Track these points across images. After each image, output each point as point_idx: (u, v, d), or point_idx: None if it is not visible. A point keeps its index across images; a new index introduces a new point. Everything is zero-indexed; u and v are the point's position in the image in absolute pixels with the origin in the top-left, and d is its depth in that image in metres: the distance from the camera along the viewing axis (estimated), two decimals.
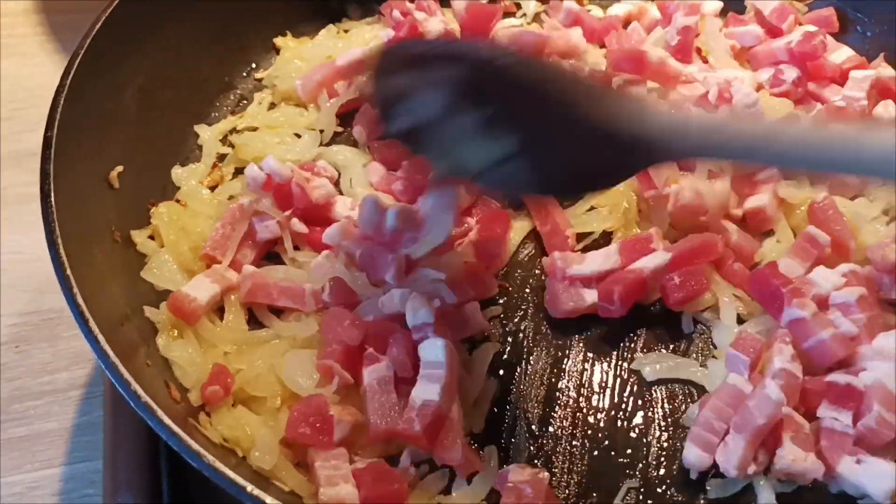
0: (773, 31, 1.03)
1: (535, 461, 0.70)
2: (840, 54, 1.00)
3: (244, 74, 1.01)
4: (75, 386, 0.90)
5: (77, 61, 0.78)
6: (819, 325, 0.72)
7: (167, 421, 0.59)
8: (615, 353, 0.78)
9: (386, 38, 1.00)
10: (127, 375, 0.60)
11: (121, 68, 0.84)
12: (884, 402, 0.67)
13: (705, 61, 1.03)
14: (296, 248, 0.82)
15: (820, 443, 0.69)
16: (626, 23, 1.07)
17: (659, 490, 0.70)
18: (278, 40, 1.03)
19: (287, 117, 0.96)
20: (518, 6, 1.11)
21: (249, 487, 0.55)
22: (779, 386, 0.68)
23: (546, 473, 0.67)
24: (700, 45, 1.03)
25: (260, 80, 1.01)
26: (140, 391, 0.59)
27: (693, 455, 0.69)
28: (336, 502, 0.60)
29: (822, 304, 0.75)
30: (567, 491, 0.69)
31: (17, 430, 0.87)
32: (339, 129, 0.95)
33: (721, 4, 1.07)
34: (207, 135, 0.93)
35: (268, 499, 0.54)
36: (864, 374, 0.70)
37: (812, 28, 1.01)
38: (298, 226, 0.82)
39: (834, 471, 0.68)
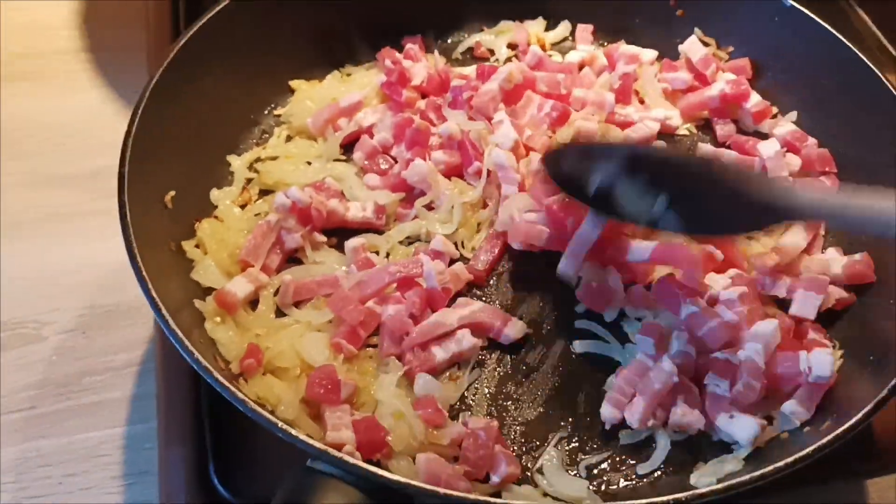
0: (700, 77, 1.25)
1: (489, 415, 0.93)
2: (752, 98, 1.22)
3: (265, 112, 1.20)
4: (131, 364, 1.10)
5: (140, 110, 0.99)
6: (708, 316, 0.94)
7: (221, 379, 0.80)
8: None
9: (379, 82, 1.20)
10: (190, 347, 0.82)
11: (170, 111, 1.04)
12: (751, 373, 0.89)
13: (642, 102, 1.25)
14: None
15: (705, 403, 0.91)
16: (580, 67, 1.28)
17: (583, 437, 0.92)
18: (293, 83, 1.23)
19: (300, 148, 1.16)
20: (492, 52, 1.33)
21: (280, 424, 0.77)
22: (674, 362, 0.90)
23: (496, 422, 0.90)
24: (638, 89, 1.26)
25: (278, 116, 1.20)
26: (200, 358, 0.81)
27: (608, 411, 0.91)
28: (338, 442, 0.81)
29: (713, 301, 0.97)
30: (513, 436, 0.92)
31: (89, 398, 1.06)
32: (342, 158, 1.16)
33: (656, 53, 1.29)
34: (237, 163, 1.12)
35: (293, 430, 0.76)
36: (741, 352, 0.91)
37: (732, 76, 1.24)
38: (318, 237, 1.05)
39: (713, 424, 0.90)
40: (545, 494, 0.86)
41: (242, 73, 1.17)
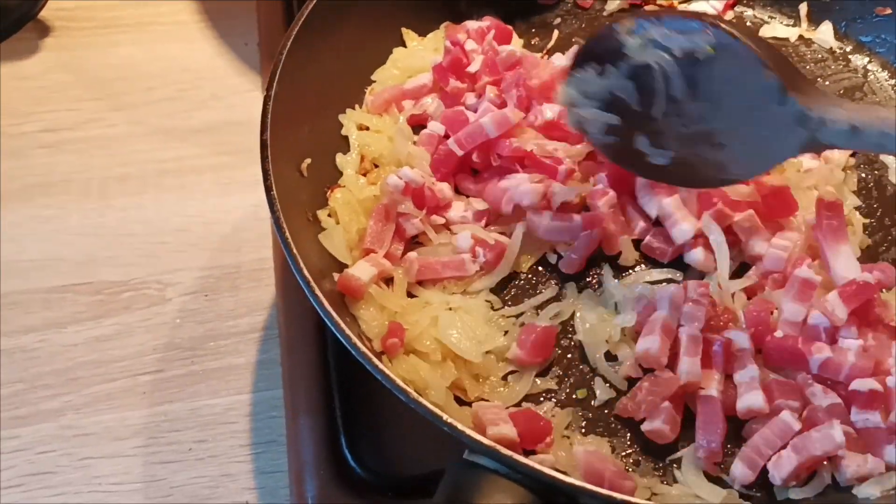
0: None
1: None
2: None
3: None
4: (255, 329, 1.08)
5: (278, 72, 0.96)
6: (842, 355, 0.83)
7: (375, 361, 0.76)
8: None
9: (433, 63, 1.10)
10: (340, 323, 0.78)
11: (303, 75, 1.00)
12: None
13: None
14: None
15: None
16: None
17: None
18: (405, 32, 1.16)
19: (384, 123, 1.08)
20: None
21: (446, 418, 0.73)
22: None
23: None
24: None
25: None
26: (352, 336, 0.78)
27: (739, 471, 0.81)
28: (501, 437, 0.77)
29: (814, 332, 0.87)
30: None
31: (213, 363, 1.05)
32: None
33: None
34: (347, 123, 1.06)
35: (459, 425, 0.73)
36: (889, 378, 0.82)
37: None
38: (437, 219, 1.00)
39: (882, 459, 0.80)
40: None
41: (367, 28, 1.12)
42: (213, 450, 1.00)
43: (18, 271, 1.13)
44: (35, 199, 1.20)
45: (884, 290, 0.90)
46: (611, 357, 0.92)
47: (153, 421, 1.01)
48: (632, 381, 0.89)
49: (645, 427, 0.85)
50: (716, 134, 0.84)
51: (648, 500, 0.79)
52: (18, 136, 1.27)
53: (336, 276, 0.93)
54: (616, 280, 0.96)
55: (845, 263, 0.91)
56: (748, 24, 1.25)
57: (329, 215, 0.99)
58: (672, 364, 0.87)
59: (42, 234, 1.17)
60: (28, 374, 1.04)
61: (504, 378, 0.91)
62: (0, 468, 0.97)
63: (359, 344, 0.78)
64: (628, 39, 0.82)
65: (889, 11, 1.17)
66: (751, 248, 0.95)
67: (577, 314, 0.94)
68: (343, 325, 0.80)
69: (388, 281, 0.96)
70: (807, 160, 1.02)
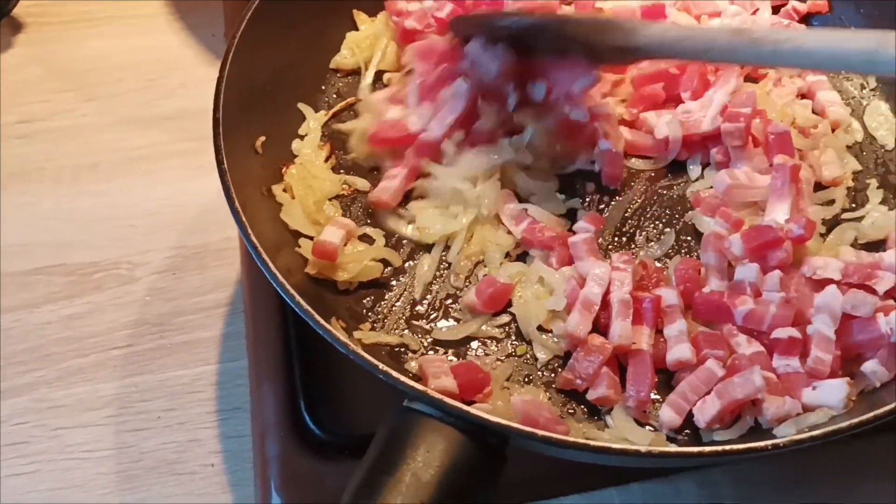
0: None
1: None
2: None
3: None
4: (221, 304, 1.13)
5: (230, 55, 1.00)
6: (765, 307, 0.88)
7: (322, 322, 0.81)
8: None
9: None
10: (291, 290, 0.83)
11: (260, 57, 1.04)
12: (822, 346, 0.86)
13: None
14: None
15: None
16: None
17: None
18: (357, 15, 1.21)
19: None
20: None
21: (381, 366, 0.78)
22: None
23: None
24: None
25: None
26: (301, 301, 0.82)
27: (668, 416, 0.86)
28: (441, 388, 0.82)
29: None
30: None
31: (180, 336, 1.10)
32: None
33: None
34: (309, 123, 1.10)
35: (394, 373, 0.78)
36: (809, 326, 0.87)
37: None
38: None
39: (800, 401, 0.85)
40: None
41: (321, 12, 1.17)
42: (180, 417, 1.05)
43: None
44: (9, 187, 1.25)
45: (806, 242, 0.94)
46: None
47: (124, 392, 1.06)
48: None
49: (590, 396, 0.88)
50: None
51: None
52: None
53: (296, 249, 0.98)
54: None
55: (776, 214, 0.96)
56: None
57: (284, 190, 1.03)
58: (606, 328, 0.91)
59: (17, 220, 1.22)
60: (2, 352, 1.09)
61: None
62: None
63: (302, 302, 0.83)
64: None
65: None
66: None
67: (516, 291, 0.96)
68: (291, 290, 0.85)
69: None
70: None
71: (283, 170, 1.05)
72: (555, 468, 0.90)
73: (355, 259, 0.97)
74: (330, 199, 1.05)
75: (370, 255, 0.99)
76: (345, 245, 0.99)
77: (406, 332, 0.96)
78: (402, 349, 0.94)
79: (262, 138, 1.04)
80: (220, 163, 0.92)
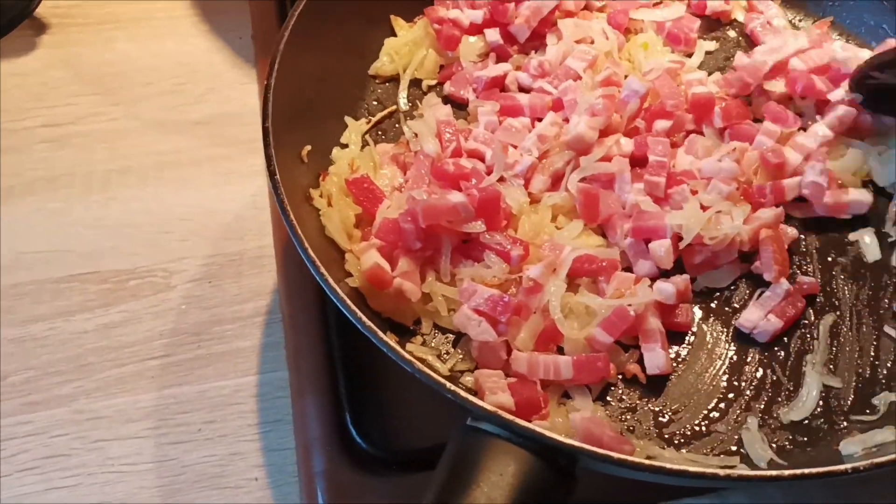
0: None
1: None
2: None
3: None
4: (259, 313, 1.11)
5: (277, 63, 0.99)
6: None
7: (385, 338, 0.80)
8: None
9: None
10: (353, 307, 0.82)
11: (303, 65, 1.03)
12: None
13: None
14: None
15: None
16: None
17: None
18: (394, 20, 1.20)
19: None
20: None
21: (448, 385, 0.78)
22: None
23: None
24: None
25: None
26: (364, 319, 0.81)
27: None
28: (498, 404, 0.81)
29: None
30: None
31: (219, 346, 1.08)
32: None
33: None
34: (350, 132, 1.10)
35: (462, 392, 0.77)
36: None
37: None
38: None
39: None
40: None
41: (360, 18, 1.17)
42: (221, 430, 1.03)
43: (25, 263, 1.15)
44: (39, 193, 1.23)
45: None
46: None
47: (163, 403, 1.05)
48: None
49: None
50: None
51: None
52: (19, 131, 1.30)
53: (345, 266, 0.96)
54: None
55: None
56: None
57: (321, 196, 1.01)
58: None
59: (47, 226, 1.20)
60: (39, 361, 1.07)
61: None
62: (16, 452, 1.00)
63: (364, 319, 0.82)
64: None
65: None
66: None
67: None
68: (349, 300, 0.84)
69: None
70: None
71: (322, 178, 1.04)
72: (606, 485, 0.89)
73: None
74: None
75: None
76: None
77: (453, 348, 0.94)
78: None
79: (308, 147, 1.02)
80: (272, 174, 0.91)
